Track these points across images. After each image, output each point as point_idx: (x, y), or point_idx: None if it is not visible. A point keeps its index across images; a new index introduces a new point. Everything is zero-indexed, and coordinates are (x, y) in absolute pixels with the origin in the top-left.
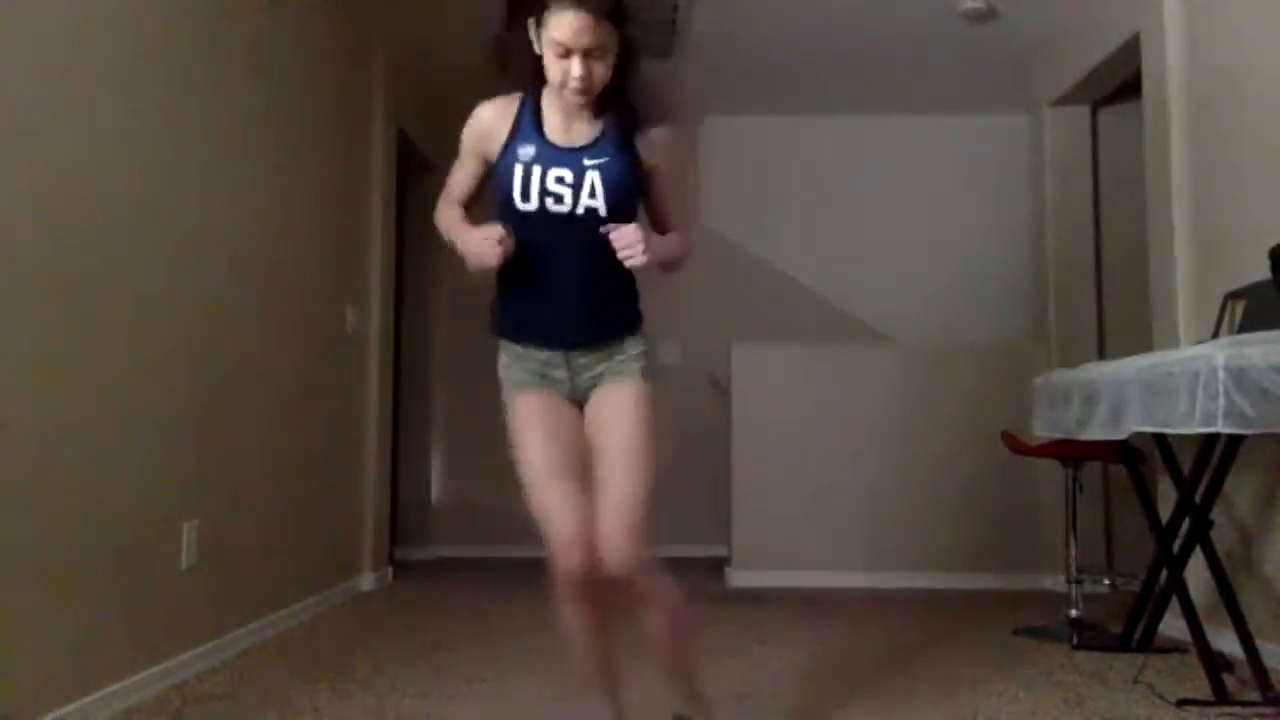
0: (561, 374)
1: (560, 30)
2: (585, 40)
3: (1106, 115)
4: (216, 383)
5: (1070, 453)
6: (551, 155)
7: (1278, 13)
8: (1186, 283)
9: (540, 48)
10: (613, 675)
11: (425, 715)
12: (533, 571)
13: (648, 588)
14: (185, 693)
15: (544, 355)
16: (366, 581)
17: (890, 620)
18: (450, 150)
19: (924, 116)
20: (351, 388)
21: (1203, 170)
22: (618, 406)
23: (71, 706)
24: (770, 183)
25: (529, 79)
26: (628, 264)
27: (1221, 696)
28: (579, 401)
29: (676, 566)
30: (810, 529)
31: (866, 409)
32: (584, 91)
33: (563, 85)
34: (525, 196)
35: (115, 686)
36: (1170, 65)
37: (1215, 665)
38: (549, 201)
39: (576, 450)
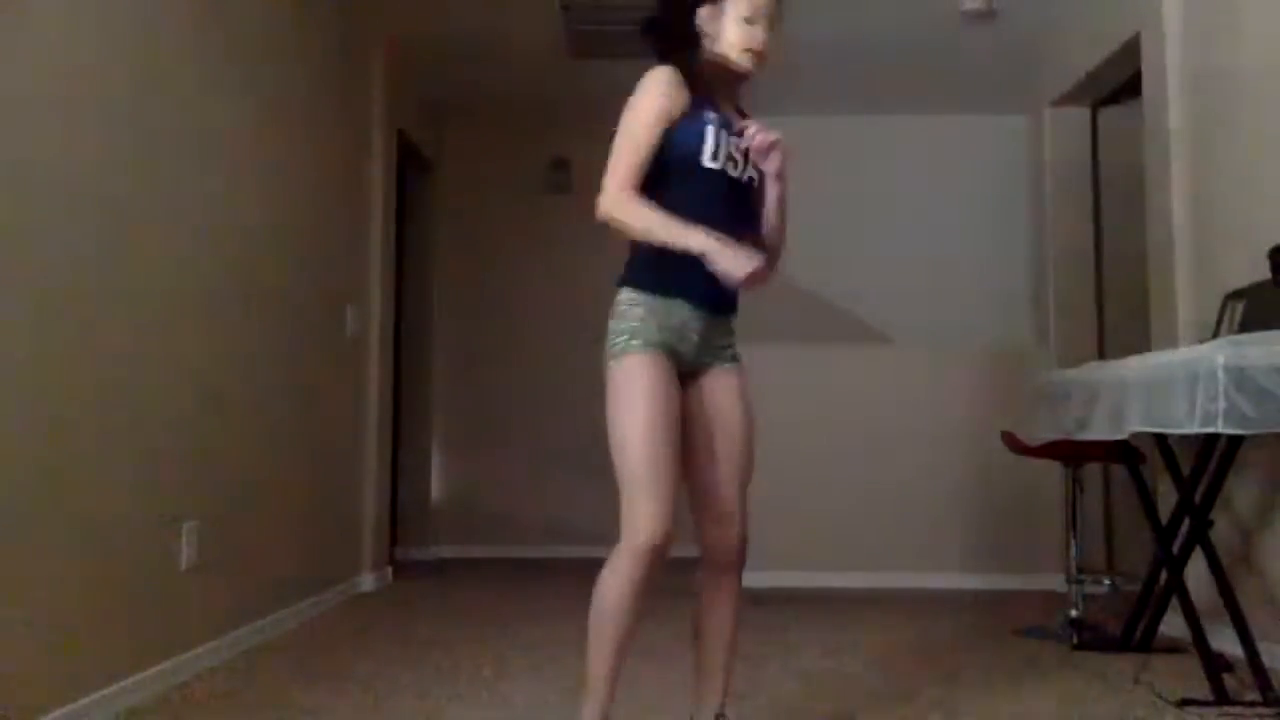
0: (693, 339)
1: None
2: (772, 8)
3: (1106, 115)
4: (217, 383)
5: (1070, 453)
6: (729, 124)
7: (1278, 13)
8: (1186, 283)
9: (714, 24)
10: (626, 657)
11: (425, 715)
12: (532, 571)
13: (742, 563)
14: (185, 693)
15: (687, 314)
16: (366, 581)
17: (890, 620)
18: (450, 150)
19: (924, 116)
20: (351, 388)
21: (1203, 170)
22: (733, 390)
23: (71, 706)
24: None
25: (680, 56)
26: (771, 165)
27: (1221, 696)
28: (689, 371)
29: (677, 567)
30: (810, 529)
31: (867, 409)
32: (762, 56)
33: (745, 50)
34: (715, 156)
35: (115, 686)
36: (1170, 65)
37: (1215, 665)
38: (730, 165)
39: (679, 426)
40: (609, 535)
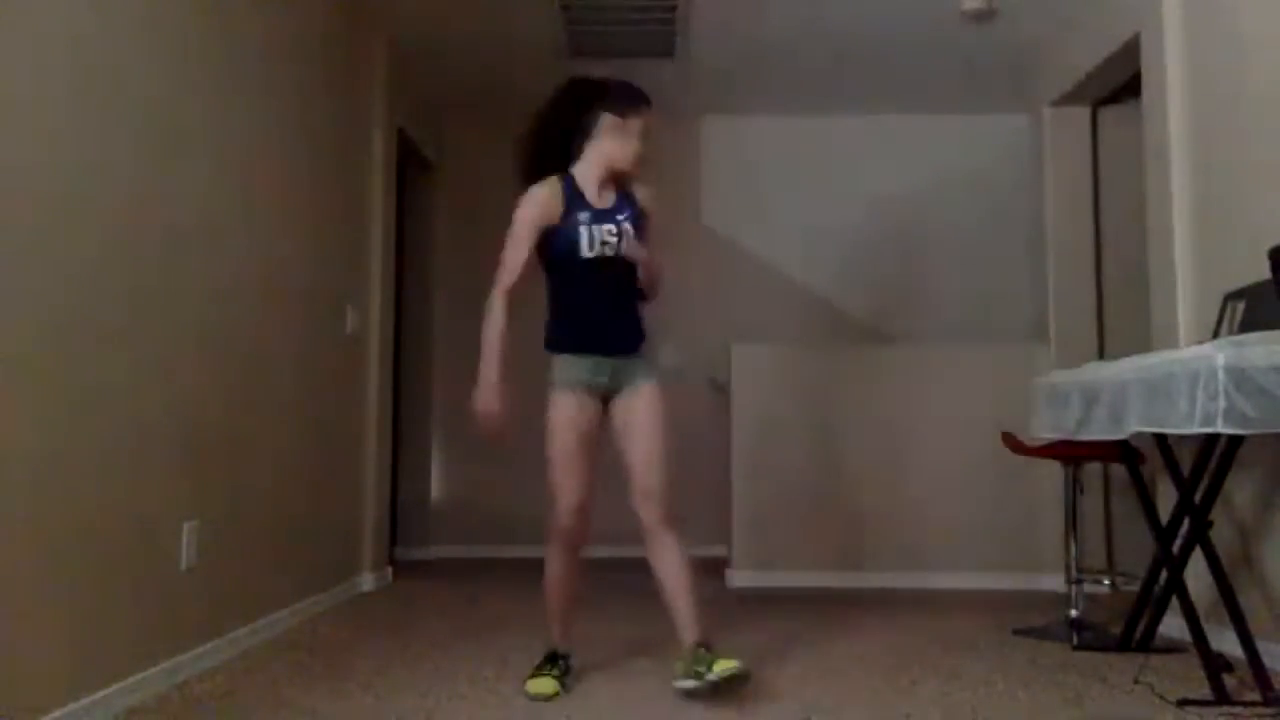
0: (605, 374)
1: (637, 123)
2: (646, 129)
3: (1106, 115)
4: (216, 383)
5: (1070, 453)
6: (600, 216)
7: (1278, 13)
8: (1186, 283)
9: (601, 137)
10: (570, 613)
11: (425, 715)
12: (532, 572)
13: (676, 528)
14: (185, 693)
15: (594, 361)
16: (366, 581)
17: (890, 620)
18: (450, 150)
19: (924, 116)
20: (351, 388)
21: (1203, 170)
22: (642, 401)
23: (71, 706)
24: (770, 182)
25: (562, 165)
26: (626, 249)
27: (1221, 697)
28: (609, 395)
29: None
30: (810, 529)
31: (866, 409)
32: (638, 165)
33: (622, 160)
34: (590, 247)
35: (115, 686)
36: (1170, 65)
37: (1215, 665)
38: (604, 249)
39: (592, 439)
40: (608, 535)
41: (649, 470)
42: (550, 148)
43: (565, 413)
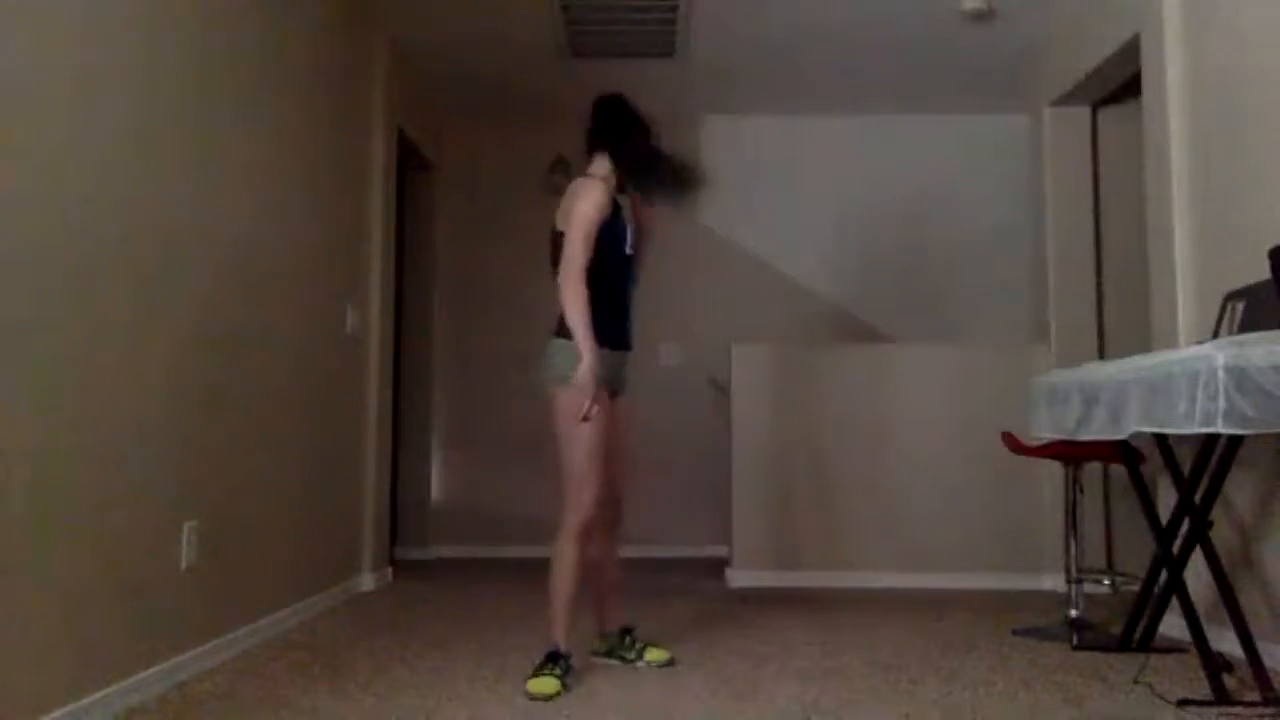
0: (622, 370)
1: None
2: None
3: (1106, 115)
4: (217, 383)
5: (1070, 453)
6: (628, 219)
7: (1278, 13)
8: (1186, 283)
9: (627, 174)
10: (576, 611)
11: (425, 715)
12: (532, 572)
13: (622, 521)
14: (185, 693)
15: (616, 357)
16: (366, 581)
17: (890, 620)
18: (450, 150)
19: (924, 116)
20: (351, 388)
21: (1202, 170)
22: (624, 410)
23: (71, 706)
24: (770, 182)
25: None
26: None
27: (1221, 697)
28: (612, 394)
29: (676, 566)
30: (810, 529)
31: (866, 409)
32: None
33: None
34: (632, 246)
35: (115, 686)
36: (1170, 65)
37: (1215, 665)
38: (630, 247)
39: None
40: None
41: (622, 477)
42: (620, 152)
43: (599, 406)
